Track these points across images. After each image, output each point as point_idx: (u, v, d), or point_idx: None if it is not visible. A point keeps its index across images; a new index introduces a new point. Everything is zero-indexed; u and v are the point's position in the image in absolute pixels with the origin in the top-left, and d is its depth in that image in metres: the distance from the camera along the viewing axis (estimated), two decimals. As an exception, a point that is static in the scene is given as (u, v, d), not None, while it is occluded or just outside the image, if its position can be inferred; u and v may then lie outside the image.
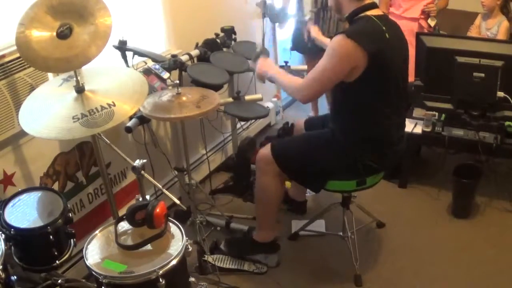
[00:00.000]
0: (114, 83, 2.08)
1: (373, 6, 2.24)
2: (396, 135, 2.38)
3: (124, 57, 2.58)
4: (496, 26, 3.50)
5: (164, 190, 2.13)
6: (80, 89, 2.00)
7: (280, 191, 2.57)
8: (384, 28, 2.19)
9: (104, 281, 1.74)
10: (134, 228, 1.91)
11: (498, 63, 2.67)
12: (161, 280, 1.74)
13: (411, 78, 2.96)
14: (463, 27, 3.78)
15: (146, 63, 2.72)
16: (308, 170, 2.43)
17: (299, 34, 3.74)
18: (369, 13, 2.21)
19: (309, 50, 3.78)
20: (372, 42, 2.14)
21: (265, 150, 2.49)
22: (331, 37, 2.33)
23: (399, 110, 2.36)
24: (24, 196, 2.03)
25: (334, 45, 2.16)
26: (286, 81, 2.39)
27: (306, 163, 2.42)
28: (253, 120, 3.72)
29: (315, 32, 2.76)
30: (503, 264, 2.67)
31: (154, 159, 2.76)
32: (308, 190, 2.98)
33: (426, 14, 3.48)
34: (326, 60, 2.18)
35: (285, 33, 4.10)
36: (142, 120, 2.45)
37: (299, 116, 4.03)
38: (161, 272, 1.74)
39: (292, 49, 3.85)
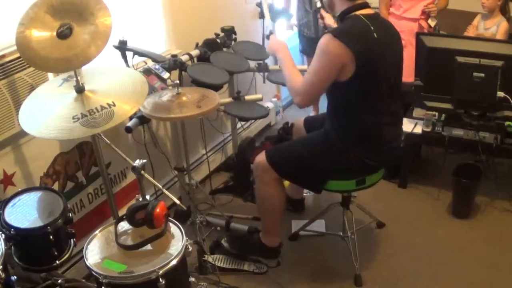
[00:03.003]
0: (114, 83, 2.08)
1: (364, 6, 2.25)
2: (389, 134, 2.38)
3: (124, 57, 2.58)
4: (495, 26, 3.50)
5: (164, 190, 2.13)
6: (80, 89, 2.00)
7: (282, 196, 2.57)
8: (372, 27, 2.20)
9: (104, 281, 1.74)
10: (134, 228, 1.91)
11: (498, 63, 2.67)
12: (161, 280, 1.74)
13: (411, 78, 2.97)
14: (463, 27, 3.77)
15: (146, 63, 2.72)
16: (306, 172, 2.43)
17: (302, 37, 3.74)
18: (359, 12, 2.23)
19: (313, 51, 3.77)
20: (358, 41, 2.15)
21: (260, 158, 2.49)
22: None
23: (392, 109, 2.36)
24: (24, 196, 2.02)
25: (322, 46, 2.18)
26: (288, 76, 2.39)
27: (303, 166, 2.42)
28: (253, 120, 3.72)
29: (330, 19, 2.74)
30: (503, 264, 2.67)
31: (154, 159, 2.76)
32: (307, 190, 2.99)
33: (426, 15, 3.48)
34: (316, 62, 2.21)
35: (284, 33, 4.10)
36: (142, 120, 2.45)
37: (299, 116, 4.00)
38: (161, 272, 1.75)
39: (301, 52, 3.86)
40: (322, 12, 2.74)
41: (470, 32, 3.66)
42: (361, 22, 2.20)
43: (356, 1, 2.23)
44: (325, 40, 2.17)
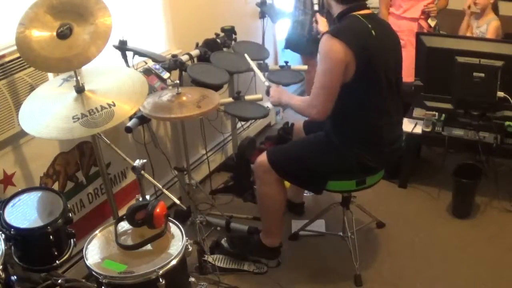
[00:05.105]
0: (114, 83, 2.08)
1: (361, 7, 2.26)
2: (389, 135, 2.38)
3: (124, 57, 2.58)
4: (486, 25, 3.49)
5: (164, 190, 2.13)
6: (80, 89, 2.00)
7: (282, 197, 2.57)
8: (369, 26, 2.20)
9: (104, 281, 1.74)
10: (134, 228, 1.91)
11: (498, 63, 2.67)
12: (161, 280, 1.74)
13: (411, 78, 2.98)
14: (463, 27, 3.78)
15: (146, 63, 2.72)
16: (306, 173, 2.44)
17: (294, 33, 3.75)
18: (356, 13, 2.24)
19: (303, 49, 3.79)
20: (356, 39, 2.16)
21: (261, 158, 2.49)
22: None
23: (392, 109, 2.36)
24: (24, 196, 2.02)
25: (322, 48, 2.19)
26: (298, 103, 2.39)
27: (304, 167, 2.42)
28: (253, 120, 3.72)
29: (323, 25, 2.75)
30: (503, 264, 2.67)
31: (154, 159, 2.76)
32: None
33: (426, 14, 3.48)
34: (321, 65, 2.21)
35: (285, 32, 4.10)
36: (142, 120, 2.45)
37: (299, 116, 4.03)
38: (161, 272, 1.74)
39: (286, 47, 3.86)
40: (317, 16, 2.77)
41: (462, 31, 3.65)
42: (358, 21, 2.21)
43: (351, 4, 2.24)
44: (324, 41, 2.17)
